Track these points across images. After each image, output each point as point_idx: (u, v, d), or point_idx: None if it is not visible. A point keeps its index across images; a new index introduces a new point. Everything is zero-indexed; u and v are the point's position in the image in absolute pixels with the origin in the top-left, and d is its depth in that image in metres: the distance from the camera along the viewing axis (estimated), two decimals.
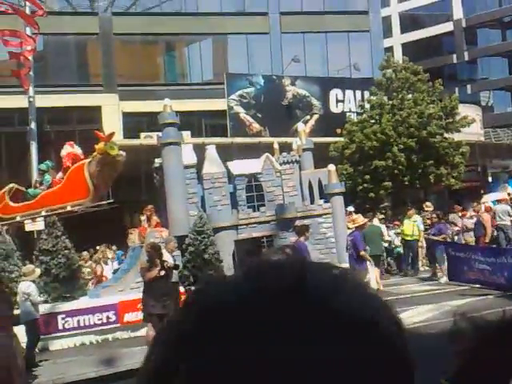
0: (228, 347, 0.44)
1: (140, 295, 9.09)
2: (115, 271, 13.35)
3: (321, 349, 0.44)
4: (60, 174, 12.03)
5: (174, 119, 12.12)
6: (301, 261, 0.51)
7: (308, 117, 24.86)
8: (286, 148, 15.26)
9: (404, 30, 40.74)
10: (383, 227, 15.44)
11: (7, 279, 10.42)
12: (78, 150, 12.10)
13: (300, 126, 18.51)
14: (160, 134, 12.41)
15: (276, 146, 15.27)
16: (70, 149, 12.05)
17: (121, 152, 11.44)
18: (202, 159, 12.88)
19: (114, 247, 16.49)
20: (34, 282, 9.11)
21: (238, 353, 0.43)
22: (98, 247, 15.15)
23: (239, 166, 12.93)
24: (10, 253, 10.84)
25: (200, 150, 13.27)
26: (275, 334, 0.44)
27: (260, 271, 0.49)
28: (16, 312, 8.86)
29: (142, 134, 20.73)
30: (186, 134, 16.68)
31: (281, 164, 13.49)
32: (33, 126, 17.44)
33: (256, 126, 23.79)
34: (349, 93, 25.66)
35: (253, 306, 0.46)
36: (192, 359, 0.44)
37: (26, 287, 8.79)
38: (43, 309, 9.61)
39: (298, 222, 12.03)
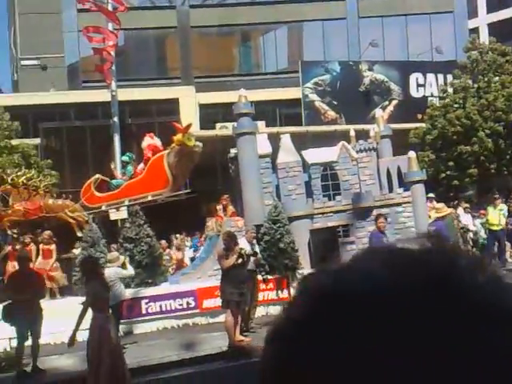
0: (366, 342, 0.39)
1: (218, 282, 9.28)
2: (192, 259, 13.71)
3: (491, 339, 0.39)
4: (141, 165, 12.50)
5: (248, 109, 12.17)
6: (449, 250, 0.45)
7: (386, 102, 24.06)
8: (362, 135, 14.87)
9: (490, 9, 38.21)
10: (468, 217, 14.69)
11: None
12: (157, 142, 12.52)
13: (378, 112, 17.98)
14: (235, 124, 12.53)
15: (352, 133, 14.92)
16: (150, 140, 12.49)
17: (198, 143, 11.72)
18: (276, 148, 12.86)
19: (187, 237, 16.90)
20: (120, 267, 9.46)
21: (381, 350, 0.38)
22: (177, 235, 15.62)
23: (314, 155, 12.76)
24: (97, 240, 11.41)
25: (274, 139, 13.26)
26: (427, 326, 0.39)
27: (404, 260, 0.44)
28: None
29: (218, 125, 21.05)
30: (261, 123, 16.74)
31: (357, 152, 13.16)
32: (115, 119, 18.24)
33: (331, 114, 23.39)
34: (430, 77, 24.52)
35: (400, 298, 0.40)
36: (322, 355, 0.39)
37: (111, 273, 9.19)
38: (127, 294, 10.05)
39: (374, 211, 11.72)
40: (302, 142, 14.62)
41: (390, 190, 12.83)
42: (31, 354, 8.32)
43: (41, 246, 11.54)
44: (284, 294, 11.08)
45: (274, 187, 12.40)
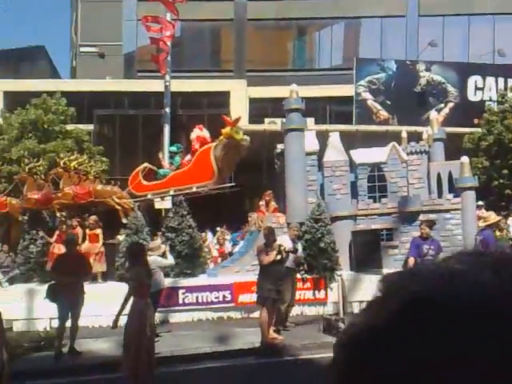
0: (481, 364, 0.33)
1: (255, 278, 9.25)
2: (230, 253, 13.74)
3: None
4: (188, 157, 12.62)
5: (299, 105, 12.02)
6: None
7: (442, 105, 23.25)
8: (414, 137, 14.44)
9: None
10: None
11: None
12: (206, 134, 12.59)
13: (433, 114, 17.38)
14: (284, 119, 12.41)
15: (404, 134, 14.50)
16: (199, 132, 12.58)
17: (245, 137, 11.70)
18: (324, 146, 12.66)
19: (228, 231, 16.92)
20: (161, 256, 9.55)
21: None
22: (217, 228, 15.70)
23: (362, 155, 12.47)
24: (140, 228, 11.59)
25: (323, 136, 13.05)
26: None
27: None
28: None
29: (267, 120, 20.97)
30: (310, 120, 16.52)
31: (408, 154, 12.78)
32: (167, 109, 18.50)
33: (384, 114, 22.83)
34: (490, 80, 23.47)
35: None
36: (405, 369, 0.35)
37: (152, 262, 9.30)
38: (165, 283, 10.17)
39: (421, 217, 11.33)
40: (350, 141, 14.33)
41: (440, 195, 12.39)
42: (70, 335, 8.56)
43: (87, 230, 11.84)
44: (321, 295, 10.91)
45: (318, 185, 12.22)
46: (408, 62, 24.17)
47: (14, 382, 6.90)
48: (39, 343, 8.74)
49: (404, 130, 15.04)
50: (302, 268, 10.49)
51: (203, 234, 13.99)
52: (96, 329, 10.13)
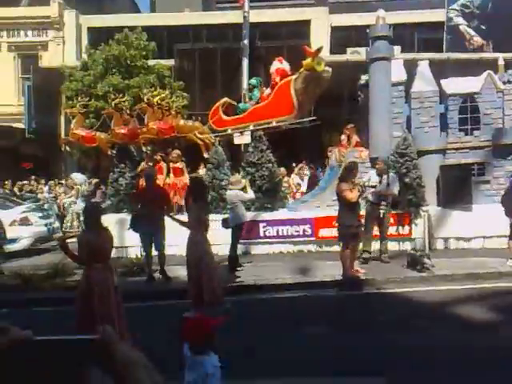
0: None
1: (335, 213, 9.14)
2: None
3: None
4: (268, 90, 12.35)
5: (386, 32, 11.27)
6: None
7: None
8: (511, 65, 13.20)
9: None
10: None
11: (217, 186, 11.43)
12: (286, 66, 12.19)
13: None
14: (369, 48, 11.72)
15: (501, 62, 13.27)
16: (278, 64, 12.20)
17: (327, 68, 11.20)
18: (411, 76, 11.89)
19: (307, 166, 16.72)
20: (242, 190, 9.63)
21: None
22: (295, 164, 15.56)
23: (454, 85, 11.59)
24: (222, 162, 11.72)
25: (410, 66, 12.24)
26: None
27: None
28: (225, 216, 9.72)
29: (349, 50, 19.99)
30: (396, 48, 15.50)
31: (504, 83, 11.72)
32: (246, 41, 18.10)
33: (477, 40, 20.98)
34: None
35: None
36: None
37: (233, 196, 9.42)
38: (247, 216, 10.31)
39: None
40: (441, 70, 13.34)
41: None
42: (158, 262, 9.01)
43: (171, 164, 12.14)
44: (405, 231, 10.64)
45: (404, 118, 11.61)
46: None
47: None
48: (132, 268, 9.28)
49: (501, 57, 13.74)
50: (383, 203, 10.16)
51: (282, 168, 13.90)
52: (181, 257, 10.60)
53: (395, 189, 9.67)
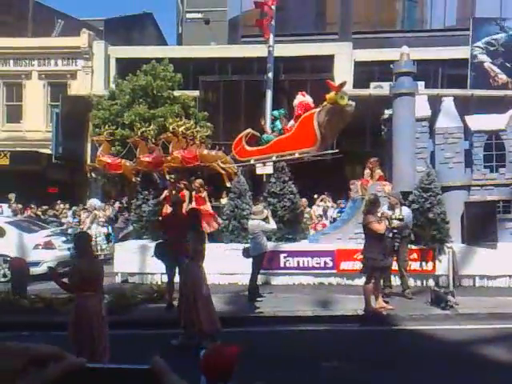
0: None
1: (357, 246, 9.07)
2: (334, 220, 13.57)
3: None
4: (291, 122, 12.46)
5: (410, 68, 11.39)
6: None
7: None
8: None
9: None
10: None
11: (239, 215, 11.47)
12: (309, 99, 12.32)
13: None
14: (392, 83, 11.82)
15: None
16: (301, 98, 12.34)
17: (350, 102, 11.28)
18: (435, 112, 11.92)
19: (329, 198, 16.72)
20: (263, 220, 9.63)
21: None
22: (316, 195, 15.56)
23: (479, 121, 11.57)
24: (244, 192, 11.79)
25: (434, 101, 12.29)
26: None
27: None
28: (246, 246, 9.72)
29: (372, 84, 20.16)
30: (420, 84, 15.62)
31: None
32: (270, 74, 18.41)
33: (502, 78, 20.98)
34: None
35: None
36: None
37: (255, 226, 9.43)
38: (268, 247, 10.30)
39: None
40: (465, 107, 13.37)
41: None
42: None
43: (193, 193, 12.26)
44: (428, 267, 10.48)
45: (428, 153, 11.58)
46: None
47: (128, 329, 7.42)
48: (152, 295, 9.29)
49: None
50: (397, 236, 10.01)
51: (303, 199, 13.90)
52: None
53: (407, 221, 9.49)
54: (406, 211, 9.66)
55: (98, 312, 5.45)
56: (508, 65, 20.97)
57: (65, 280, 5.82)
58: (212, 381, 3.02)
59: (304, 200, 14.15)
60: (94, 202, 14.91)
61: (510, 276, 10.22)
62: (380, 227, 8.31)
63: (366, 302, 8.32)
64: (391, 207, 9.61)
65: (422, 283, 10.51)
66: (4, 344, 0.67)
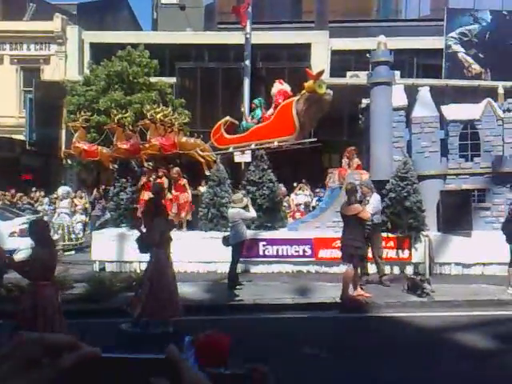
0: None
1: (335, 234, 9.16)
2: (312, 208, 13.67)
3: None
4: (270, 111, 12.44)
5: (387, 57, 11.47)
6: None
7: None
8: (510, 94, 13.44)
9: None
10: None
11: (218, 203, 11.45)
12: (287, 87, 12.31)
13: None
14: (369, 72, 11.91)
15: (501, 90, 13.53)
16: (280, 86, 12.30)
17: (328, 91, 11.31)
18: (411, 101, 12.07)
19: (306, 186, 16.80)
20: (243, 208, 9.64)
21: None
22: (296, 184, 15.65)
23: (455, 111, 11.75)
24: (223, 180, 11.75)
25: (410, 91, 12.43)
26: None
27: None
28: (226, 234, 9.72)
29: (349, 73, 20.27)
30: (396, 73, 15.76)
31: (504, 111, 11.91)
32: (247, 62, 18.30)
33: (476, 68, 21.37)
34: None
35: None
36: None
37: (235, 214, 9.43)
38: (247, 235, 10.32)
39: None
40: (440, 97, 13.58)
41: None
42: None
43: (173, 181, 12.18)
44: (405, 254, 10.67)
45: (405, 142, 11.74)
46: (505, 13, 22.31)
47: (107, 318, 7.37)
48: (131, 283, 9.22)
49: (501, 86, 14.01)
50: (383, 226, 10.24)
51: (282, 187, 13.92)
52: (181, 274, 10.58)
53: (371, 209, 9.51)
54: (375, 198, 9.76)
55: (55, 302, 5.40)
56: (481, 55, 21.35)
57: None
58: (206, 366, 3.00)
59: (284, 189, 14.18)
60: (63, 189, 14.54)
61: (484, 264, 10.47)
62: (368, 215, 8.40)
63: (343, 290, 8.43)
64: (363, 196, 9.72)
65: (400, 271, 10.70)
66: (19, 334, 0.66)
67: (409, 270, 10.62)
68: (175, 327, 6.90)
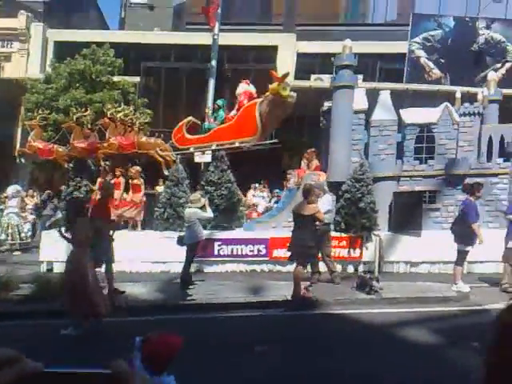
0: None
1: (290, 234, 9.17)
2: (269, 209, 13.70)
3: None
4: (234, 112, 12.45)
5: (351, 61, 11.61)
6: None
7: (499, 65, 21.98)
8: (467, 98, 13.75)
9: None
10: None
11: (175, 203, 11.39)
12: (252, 89, 12.35)
13: (491, 74, 16.45)
14: (332, 76, 12.03)
15: (458, 95, 13.81)
16: (245, 87, 12.32)
17: (292, 93, 11.39)
18: (372, 105, 12.24)
19: (265, 187, 16.85)
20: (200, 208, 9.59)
21: None
22: (255, 184, 15.68)
23: (413, 115, 11.99)
24: (181, 180, 11.71)
25: (372, 95, 12.60)
26: None
27: None
28: (181, 234, 9.67)
29: (313, 76, 20.44)
30: (359, 77, 15.96)
31: (460, 115, 12.20)
32: (213, 63, 18.27)
33: (436, 73, 21.81)
34: None
35: None
36: None
37: (192, 214, 9.38)
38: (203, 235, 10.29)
39: (468, 180, 10.91)
40: (400, 101, 13.79)
41: (489, 159, 11.85)
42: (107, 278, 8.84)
43: (130, 180, 12.07)
44: (356, 253, 10.81)
45: (363, 145, 11.91)
46: (467, 19, 22.84)
47: (52, 319, 7.25)
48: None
49: (458, 91, 14.32)
50: (337, 227, 10.36)
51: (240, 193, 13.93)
52: (134, 274, 10.50)
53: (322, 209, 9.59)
54: (326, 199, 9.87)
55: None
56: (442, 60, 21.79)
57: None
58: (151, 368, 2.91)
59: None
60: (13, 188, 14.18)
61: (431, 262, 10.70)
62: (322, 216, 8.52)
63: (294, 288, 8.48)
64: (316, 197, 9.79)
65: (352, 270, 10.83)
66: None
67: (359, 268, 10.77)
68: (99, 326, 6.86)
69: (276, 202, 14.41)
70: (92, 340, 6.56)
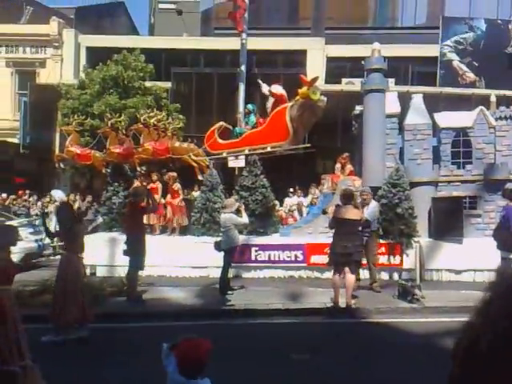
0: None
1: (327, 240, 9.14)
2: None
3: None
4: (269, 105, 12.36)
5: (381, 65, 11.52)
6: None
7: None
8: (504, 102, 13.51)
9: None
10: None
11: (211, 208, 11.44)
12: (283, 92, 12.30)
13: None
14: (363, 79, 11.96)
15: (493, 98, 13.60)
16: (279, 88, 12.28)
17: (322, 97, 11.34)
18: (405, 109, 12.13)
19: (300, 192, 16.81)
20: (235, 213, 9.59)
21: None
22: (290, 189, 15.66)
23: (447, 119, 11.82)
24: (215, 185, 11.77)
25: (404, 98, 12.48)
26: None
27: None
28: (218, 239, 9.71)
29: (344, 80, 20.34)
30: (391, 81, 15.83)
31: (496, 119, 11.99)
32: (243, 67, 18.33)
33: (470, 76, 21.48)
34: None
35: None
36: None
37: (227, 219, 9.40)
38: (239, 240, 10.30)
39: (508, 185, 10.69)
40: (433, 104, 13.63)
41: None
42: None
43: (167, 185, 12.20)
44: (396, 261, 10.68)
45: (397, 149, 11.79)
46: (499, 22, 22.45)
47: (96, 323, 7.34)
48: (122, 288, 9.19)
49: (493, 94, 14.09)
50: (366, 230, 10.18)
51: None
52: (173, 278, 10.57)
53: (369, 215, 9.45)
54: (374, 205, 9.78)
55: (14, 307, 4.93)
56: (475, 64, 21.46)
57: None
58: (185, 372, 2.98)
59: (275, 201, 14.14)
60: (55, 193, 14.48)
61: (474, 270, 10.48)
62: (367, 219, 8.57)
63: (335, 295, 8.42)
64: (364, 202, 9.72)
65: (390, 277, 10.70)
66: None
67: (400, 275, 10.63)
68: (85, 332, 6.90)
69: (308, 207, 14.35)
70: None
